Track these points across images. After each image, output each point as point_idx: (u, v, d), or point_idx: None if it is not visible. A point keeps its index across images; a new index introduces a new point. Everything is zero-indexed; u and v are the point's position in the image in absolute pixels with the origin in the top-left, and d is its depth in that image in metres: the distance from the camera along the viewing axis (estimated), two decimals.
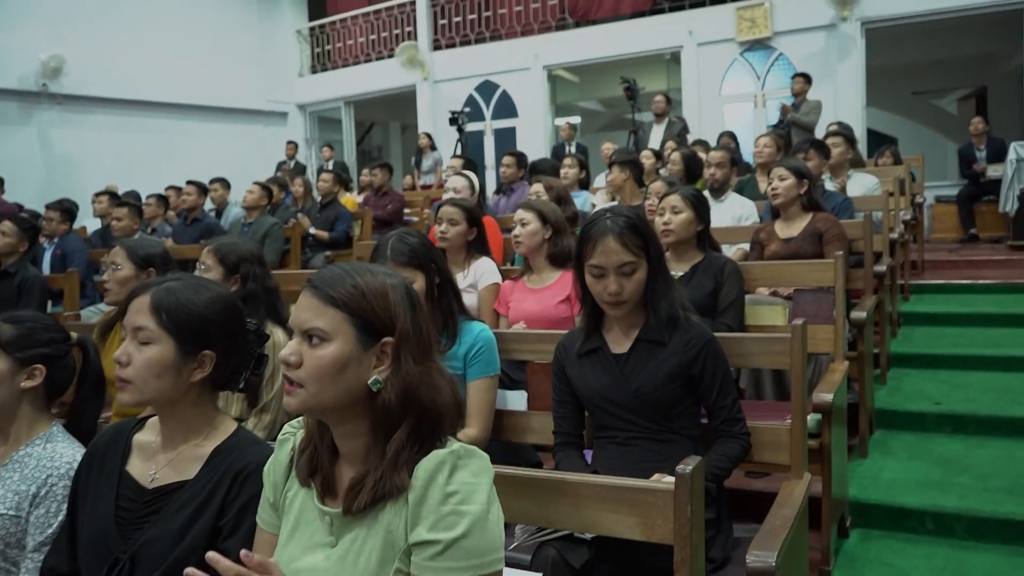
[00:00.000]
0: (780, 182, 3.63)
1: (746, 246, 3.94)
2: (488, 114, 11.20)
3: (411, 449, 1.15)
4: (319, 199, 6.98)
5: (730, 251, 4.22)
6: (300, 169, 10.46)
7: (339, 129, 13.05)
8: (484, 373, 2.25)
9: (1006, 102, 11.42)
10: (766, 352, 2.07)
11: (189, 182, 6.49)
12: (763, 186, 5.00)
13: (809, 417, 2.46)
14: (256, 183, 6.01)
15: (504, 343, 2.37)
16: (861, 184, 5.07)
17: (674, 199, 2.92)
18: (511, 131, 11.01)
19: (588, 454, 2.11)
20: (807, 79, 7.90)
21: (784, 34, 9.12)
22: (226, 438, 1.44)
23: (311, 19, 13.25)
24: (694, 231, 2.92)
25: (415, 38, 11.56)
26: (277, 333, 2.39)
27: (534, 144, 10.45)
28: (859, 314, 3.19)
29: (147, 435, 1.48)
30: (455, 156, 6.39)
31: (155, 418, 1.49)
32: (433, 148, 10.20)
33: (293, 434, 1.30)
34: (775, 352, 2.06)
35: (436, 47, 11.52)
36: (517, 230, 3.13)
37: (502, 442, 2.37)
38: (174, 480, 1.40)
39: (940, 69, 11.69)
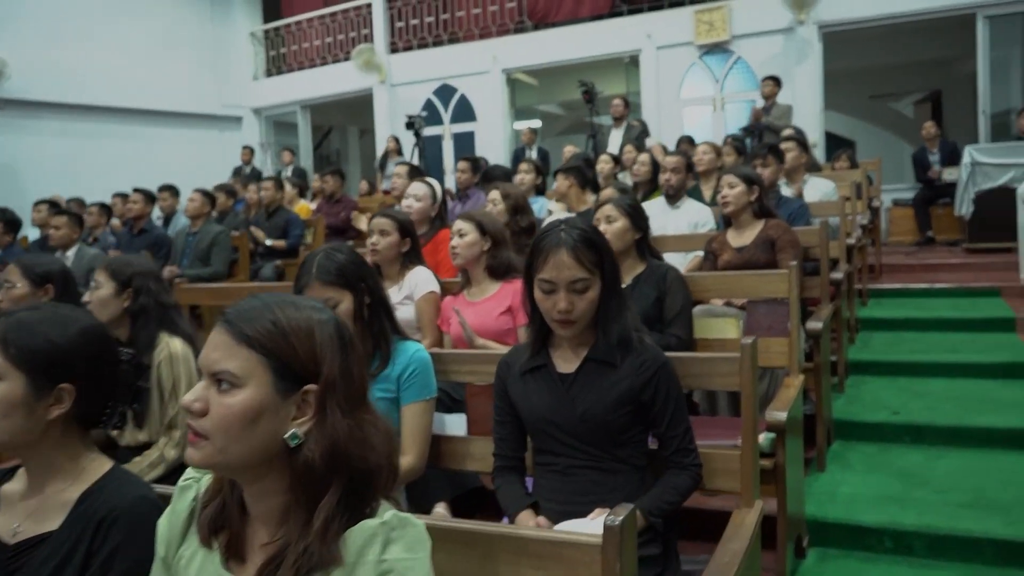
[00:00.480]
0: (730, 190, 3.54)
1: (702, 253, 3.85)
2: (446, 118, 11.04)
3: (341, 517, 0.99)
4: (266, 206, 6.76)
5: (686, 259, 4.13)
6: (256, 175, 10.21)
7: (296, 133, 12.79)
8: (419, 397, 2.10)
9: (960, 105, 11.54)
10: (715, 373, 1.95)
11: (136, 190, 6.25)
12: (708, 193, 4.93)
13: (763, 436, 2.36)
14: (196, 190, 5.80)
15: (441, 364, 2.23)
16: (817, 189, 5.02)
17: (608, 209, 2.81)
18: (470, 135, 10.86)
19: (531, 481, 1.98)
20: (777, 82, 7.88)
21: (742, 37, 9.10)
22: (96, 480, 1.28)
23: (265, 21, 12.98)
24: (631, 240, 2.81)
25: (372, 41, 11.37)
26: (174, 343, 2.33)
27: (493, 148, 10.32)
28: (815, 324, 3.10)
29: (15, 484, 1.31)
30: (400, 163, 6.21)
31: None
32: (400, 152, 10.03)
33: (196, 481, 1.13)
34: (725, 373, 1.94)
35: (393, 50, 11.33)
36: (455, 241, 2.99)
37: (441, 468, 2.23)
38: (37, 532, 1.24)
39: (896, 73, 11.80)
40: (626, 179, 6.57)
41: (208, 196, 5.79)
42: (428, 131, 11.00)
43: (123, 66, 11.02)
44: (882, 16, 8.63)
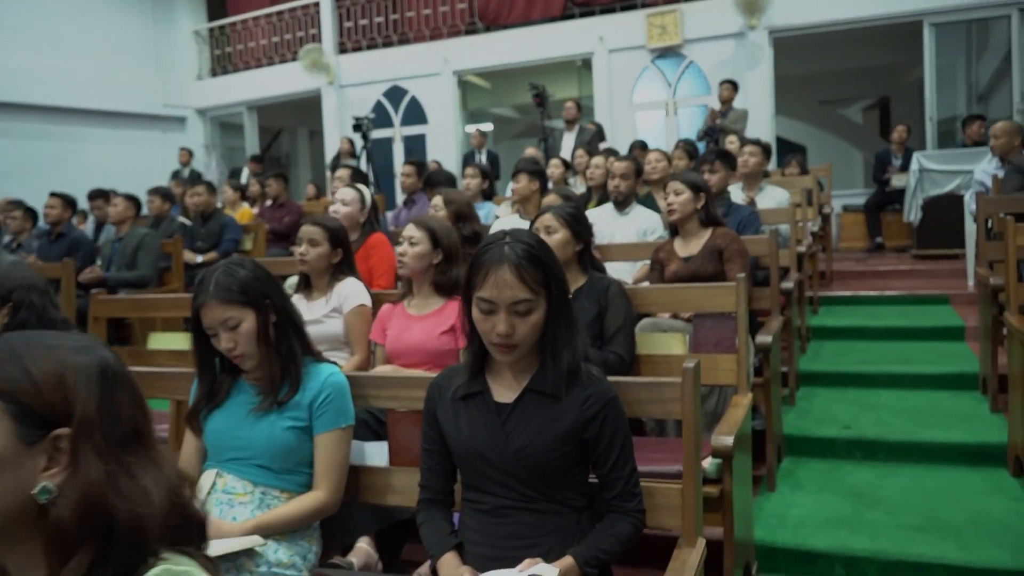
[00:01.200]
0: (676, 197, 3.41)
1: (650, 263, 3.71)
2: (397, 120, 10.80)
3: None
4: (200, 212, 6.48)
5: (634, 268, 4.00)
6: (195, 177, 9.86)
7: (243, 135, 12.42)
8: (333, 425, 1.91)
9: (908, 112, 11.68)
10: (656, 400, 1.79)
11: (53, 194, 5.91)
12: (661, 202, 4.81)
13: (709, 461, 2.22)
14: (119, 195, 5.51)
15: (359, 388, 2.03)
16: (772, 197, 4.92)
17: (547, 218, 2.65)
18: (421, 138, 10.65)
19: (457, 517, 1.81)
20: (734, 86, 7.85)
21: (694, 42, 9.06)
22: None
23: (210, 19, 12.60)
24: (572, 252, 2.65)
25: (320, 41, 11.09)
26: None
27: (445, 151, 10.13)
28: (764, 338, 2.98)
29: None
30: (343, 166, 5.98)
31: None
32: (354, 154, 9.79)
33: None
34: (668, 399, 1.78)
35: (342, 50, 11.06)
36: (404, 247, 2.79)
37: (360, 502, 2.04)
38: None
39: (846, 79, 11.91)
40: (577, 184, 6.44)
41: (132, 200, 5.49)
42: (378, 133, 10.77)
43: (59, 64, 10.61)
44: (831, 22, 8.66)
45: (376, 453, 2.15)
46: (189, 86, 12.37)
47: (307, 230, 3.00)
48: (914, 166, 6.99)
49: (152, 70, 11.96)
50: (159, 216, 6.72)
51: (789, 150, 12.83)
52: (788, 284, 3.81)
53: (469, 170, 5.57)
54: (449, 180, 4.70)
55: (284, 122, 14.15)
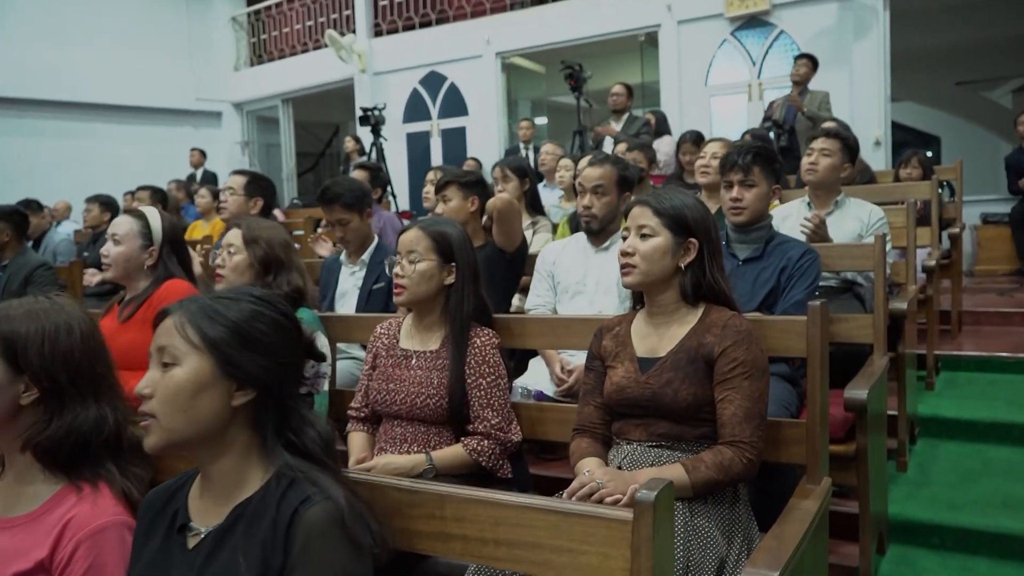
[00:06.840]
0: (638, 241, 1.78)
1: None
2: (434, 112, 9.37)
3: None
4: None
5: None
6: (207, 180, 8.77)
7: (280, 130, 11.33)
8: None
9: None
10: None
11: None
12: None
13: None
14: None
15: None
16: (855, 218, 3.18)
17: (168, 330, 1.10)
18: (461, 131, 9.16)
19: None
20: (814, 63, 6.06)
21: (785, 7, 7.17)
22: None
23: (249, 4, 11.54)
24: (218, 418, 1.07)
25: (354, 23, 9.81)
26: None
27: (486, 147, 8.63)
28: None
29: None
30: (235, 172, 4.51)
31: None
32: (361, 153, 8.51)
33: None
34: None
35: (377, 33, 9.73)
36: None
37: None
38: None
39: (989, 54, 9.65)
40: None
41: (10, 220, 4.26)
42: (414, 127, 9.46)
43: (87, 57, 9.91)
44: None
45: None
46: (225, 78, 11.37)
47: None
48: None
49: (185, 61, 11.00)
50: (97, 229, 5.58)
51: (921, 142, 10.69)
52: (859, 392, 2.08)
53: (429, 174, 4.10)
54: (356, 194, 3.16)
55: (325, 116, 12.99)
